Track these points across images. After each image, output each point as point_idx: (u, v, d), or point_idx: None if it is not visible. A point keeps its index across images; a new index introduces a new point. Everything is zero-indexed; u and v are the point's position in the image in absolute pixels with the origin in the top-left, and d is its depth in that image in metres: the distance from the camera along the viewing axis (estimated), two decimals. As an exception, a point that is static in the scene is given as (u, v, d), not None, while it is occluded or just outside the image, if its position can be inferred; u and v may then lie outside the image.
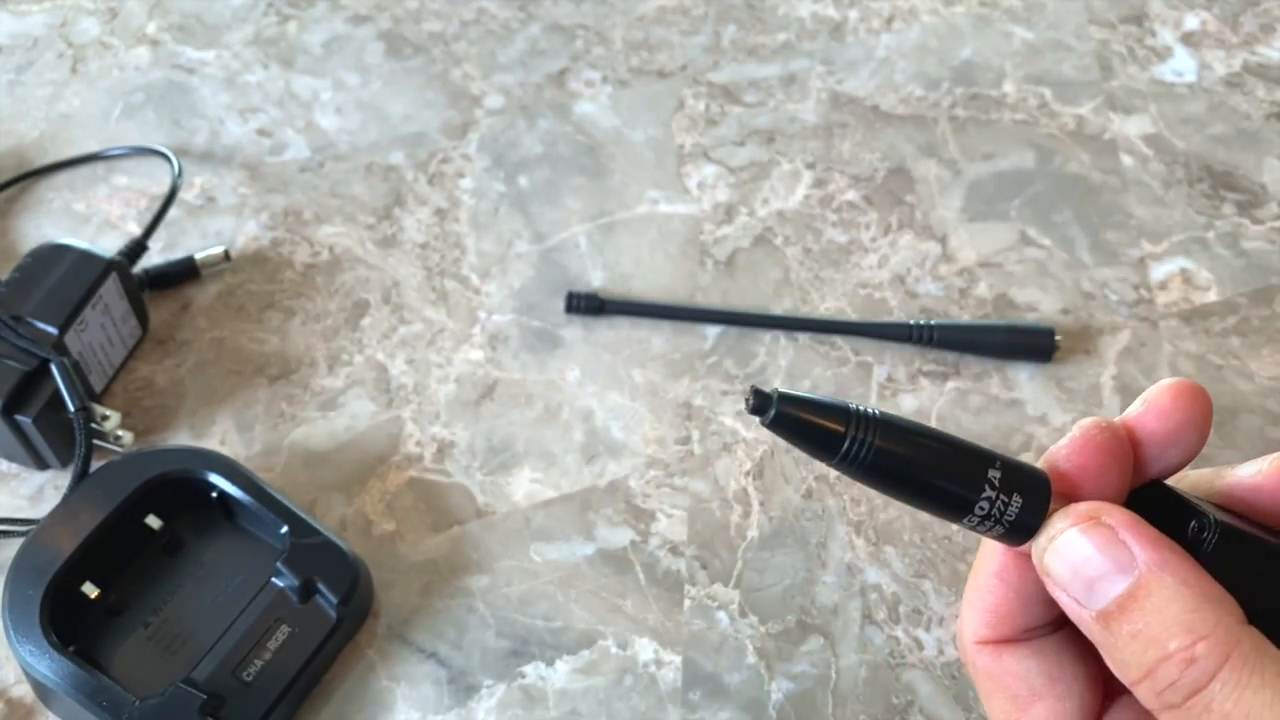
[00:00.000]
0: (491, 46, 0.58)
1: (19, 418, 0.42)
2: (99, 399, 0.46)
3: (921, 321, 0.47)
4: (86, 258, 0.45)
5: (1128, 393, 0.47)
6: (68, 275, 0.44)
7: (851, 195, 0.53)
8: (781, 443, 0.45)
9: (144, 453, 0.42)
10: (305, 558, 0.40)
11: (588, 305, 0.48)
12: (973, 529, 0.25)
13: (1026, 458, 0.45)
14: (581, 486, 0.45)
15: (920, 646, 0.41)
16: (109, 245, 0.48)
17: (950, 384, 0.47)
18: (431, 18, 0.59)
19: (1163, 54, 0.58)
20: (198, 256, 0.49)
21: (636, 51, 0.58)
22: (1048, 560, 0.25)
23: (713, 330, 0.49)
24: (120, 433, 0.43)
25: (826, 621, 0.42)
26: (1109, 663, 0.24)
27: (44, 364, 0.42)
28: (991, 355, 0.47)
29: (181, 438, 0.45)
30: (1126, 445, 0.26)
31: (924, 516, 0.43)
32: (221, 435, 0.46)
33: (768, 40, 0.58)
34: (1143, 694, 0.23)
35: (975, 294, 0.50)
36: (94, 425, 0.42)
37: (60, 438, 0.43)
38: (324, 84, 0.56)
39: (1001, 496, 0.25)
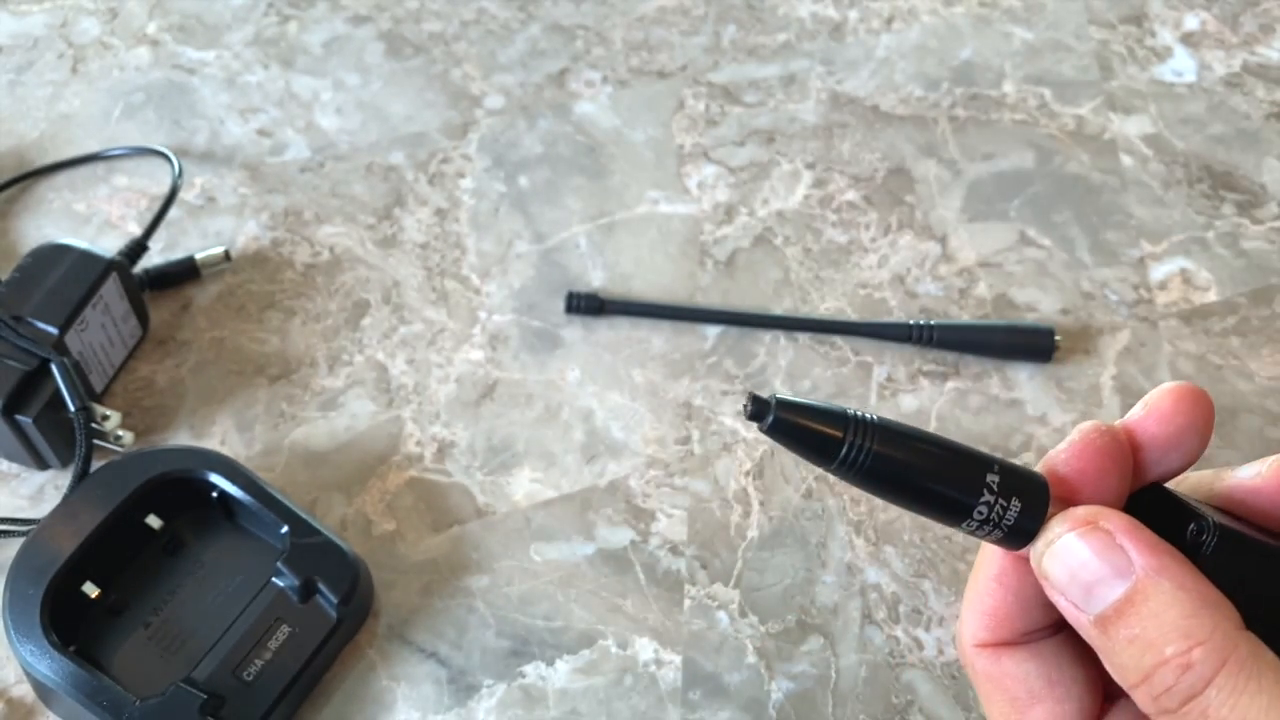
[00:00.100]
0: (491, 47, 0.58)
1: (19, 418, 0.42)
2: (99, 399, 0.46)
3: (921, 321, 0.47)
4: (87, 258, 0.45)
5: (1127, 393, 0.47)
6: (68, 275, 0.44)
7: (851, 195, 0.53)
8: (781, 443, 0.45)
9: (144, 453, 0.42)
10: (305, 557, 0.40)
11: (588, 305, 0.48)
12: (971, 533, 0.25)
13: (1026, 458, 0.46)
14: (581, 486, 0.45)
15: (920, 646, 0.41)
16: (109, 245, 0.48)
17: (950, 384, 0.47)
18: (432, 18, 0.59)
19: (1162, 54, 0.58)
20: (198, 256, 0.49)
21: (636, 52, 0.58)
22: (1046, 564, 0.25)
23: (713, 330, 0.49)
24: (120, 433, 0.43)
25: (826, 621, 0.42)
26: (1107, 667, 0.24)
27: (44, 364, 0.42)
28: (991, 355, 0.48)
29: (182, 438, 0.45)
30: (1126, 449, 0.26)
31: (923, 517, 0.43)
32: (222, 435, 0.46)
33: (768, 40, 0.58)
34: (1140, 698, 0.24)
35: (975, 294, 0.50)
36: (94, 425, 0.42)
37: (60, 438, 0.43)
38: (324, 84, 0.56)
39: (1000, 501, 0.25)
